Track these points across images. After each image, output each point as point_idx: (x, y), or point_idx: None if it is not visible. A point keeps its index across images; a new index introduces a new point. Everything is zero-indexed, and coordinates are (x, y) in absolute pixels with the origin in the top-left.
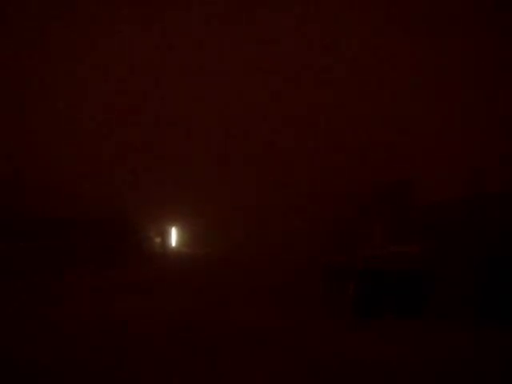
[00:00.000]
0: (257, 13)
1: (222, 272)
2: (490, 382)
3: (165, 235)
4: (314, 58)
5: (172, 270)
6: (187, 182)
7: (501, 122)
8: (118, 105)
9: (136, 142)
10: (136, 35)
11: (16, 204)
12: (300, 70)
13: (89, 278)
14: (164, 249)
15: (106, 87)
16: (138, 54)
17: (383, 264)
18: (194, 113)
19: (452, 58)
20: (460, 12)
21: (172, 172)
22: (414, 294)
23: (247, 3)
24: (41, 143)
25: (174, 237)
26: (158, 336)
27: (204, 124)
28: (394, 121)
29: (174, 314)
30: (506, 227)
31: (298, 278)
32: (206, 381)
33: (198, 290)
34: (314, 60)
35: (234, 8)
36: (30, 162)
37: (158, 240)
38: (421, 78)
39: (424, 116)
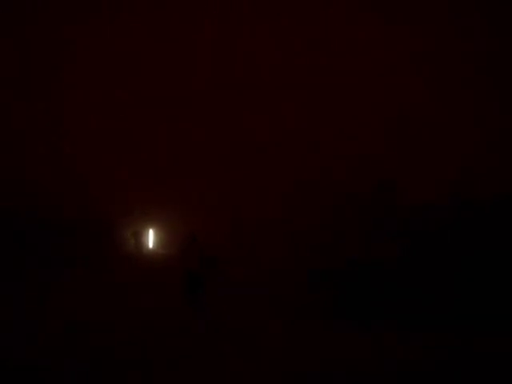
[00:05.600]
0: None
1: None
2: None
3: (142, 236)
4: (305, 63)
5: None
6: (168, 183)
7: (484, 127)
8: (97, 101)
9: (115, 142)
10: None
11: None
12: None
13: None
14: (140, 250)
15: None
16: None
17: (360, 266)
18: (170, 112)
19: (440, 58)
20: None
21: (151, 172)
22: (388, 294)
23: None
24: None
25: (151, 238)
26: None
27: (182, 122)
28: (378, 123)
29: None
30: (487, 231)
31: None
32: None
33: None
34: (302, 65)
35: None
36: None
37: (133, 241)
38: (407, 80)
39: (409, 119)
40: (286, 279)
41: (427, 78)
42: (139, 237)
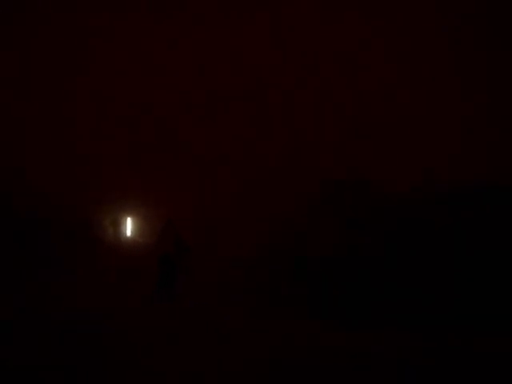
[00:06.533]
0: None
1: None
2: None
3: (120, 224)
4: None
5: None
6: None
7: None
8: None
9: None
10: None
11: None
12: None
13: None
14: (118, 239)
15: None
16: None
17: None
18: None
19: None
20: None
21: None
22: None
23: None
24: None
25: (129, 226)
26: None
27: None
28: (348, 118)
29: None
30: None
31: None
32: None
33: None
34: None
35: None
36: None
37: (112, 229)
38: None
39: (379, 113)
40: (259, 272)
41: (418, 76)
42: (118, 225)
